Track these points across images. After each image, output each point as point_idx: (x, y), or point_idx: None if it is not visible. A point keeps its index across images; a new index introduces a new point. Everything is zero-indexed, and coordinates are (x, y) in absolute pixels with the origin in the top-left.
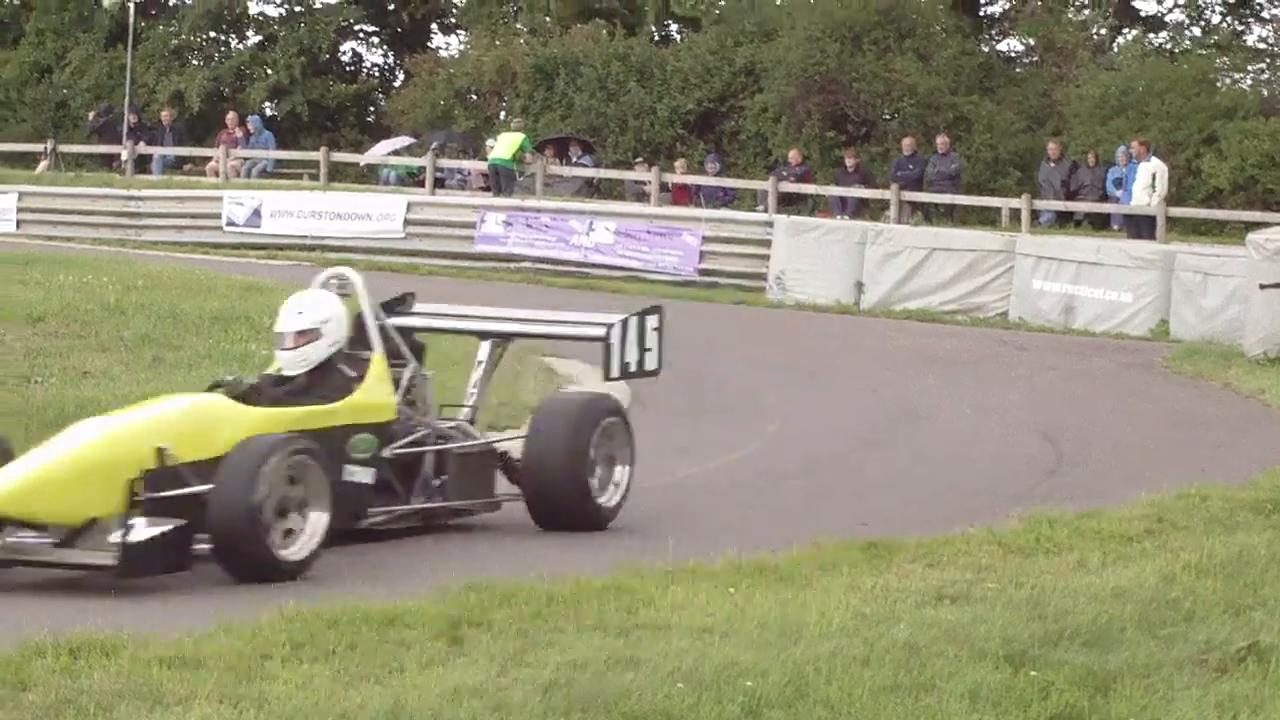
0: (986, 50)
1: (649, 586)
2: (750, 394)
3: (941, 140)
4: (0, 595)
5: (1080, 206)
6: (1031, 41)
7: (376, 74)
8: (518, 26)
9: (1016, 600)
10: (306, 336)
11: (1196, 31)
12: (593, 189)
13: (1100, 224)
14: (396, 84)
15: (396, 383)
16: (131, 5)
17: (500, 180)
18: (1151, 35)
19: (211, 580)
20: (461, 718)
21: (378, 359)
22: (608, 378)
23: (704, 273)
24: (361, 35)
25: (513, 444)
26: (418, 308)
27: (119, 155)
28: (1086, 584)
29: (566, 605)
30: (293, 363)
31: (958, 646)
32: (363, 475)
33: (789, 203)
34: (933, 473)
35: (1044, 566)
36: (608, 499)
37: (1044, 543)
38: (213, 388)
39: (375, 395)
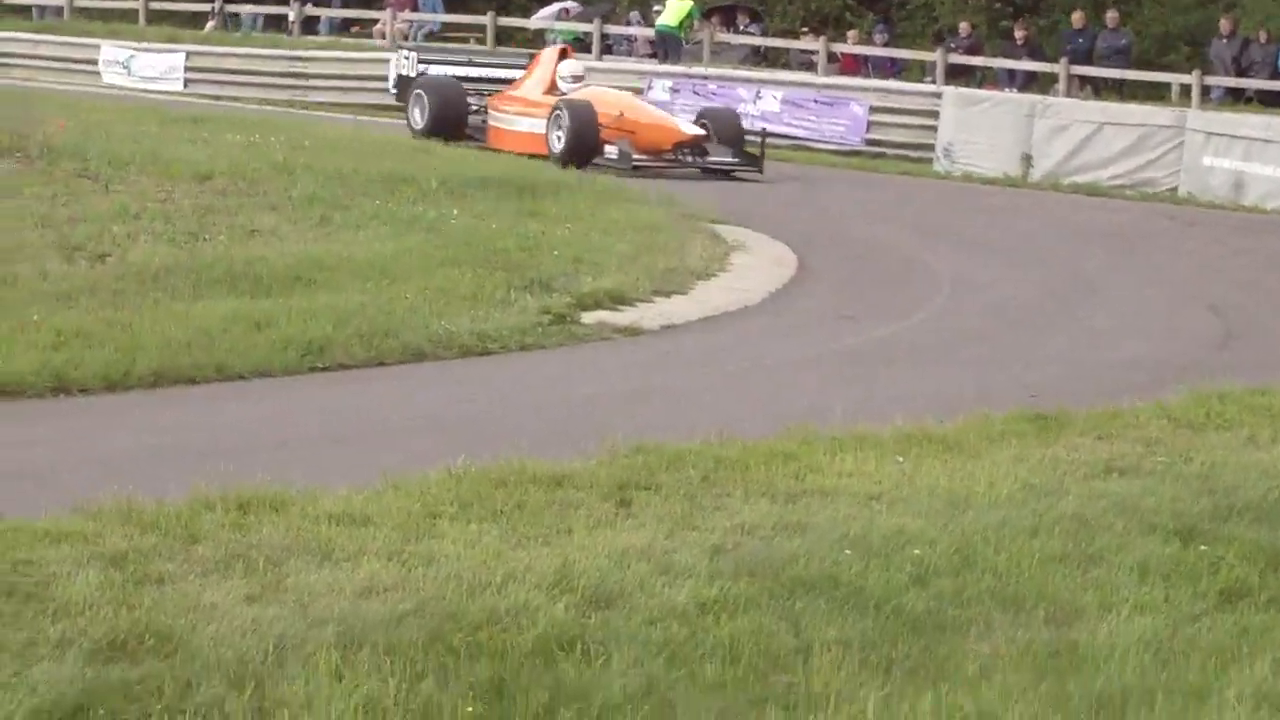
0: None
1: (816, 453)
2: (918, 264)
3: (1111, 15)
4: (173, 445)
5: (1251, 83)
6: None
7: None
8: None
9: (1186, 475)
10: None
11: None
12: (759, 57)
13: (1271, 101)
14: None
15: None
16: None
17: (667, 47)
18: None
19: (379, 440)
20: (629, 580)
21: None
22: None
23: (871, 143)
24: None
25: None
26: None
27: (286, 16)
28: (1257, 460)
29: (734, 470)
30: None
31: (1127, 519)
32: None
33: (957, 74)
34: (1102, 346)
35: (1214, 441)
36: None
37: (1214, 418)
38: None
39: None
